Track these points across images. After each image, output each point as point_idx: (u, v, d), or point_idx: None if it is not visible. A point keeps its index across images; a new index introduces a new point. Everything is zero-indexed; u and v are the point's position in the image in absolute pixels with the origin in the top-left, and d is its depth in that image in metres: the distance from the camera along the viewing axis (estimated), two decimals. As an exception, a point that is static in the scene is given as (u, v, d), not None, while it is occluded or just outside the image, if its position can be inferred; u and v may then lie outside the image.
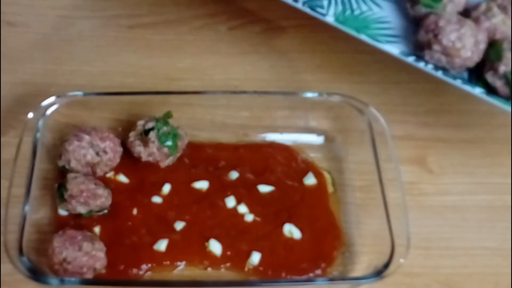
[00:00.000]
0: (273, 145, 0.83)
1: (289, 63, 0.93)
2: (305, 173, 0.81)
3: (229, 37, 0.96)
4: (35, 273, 0.68)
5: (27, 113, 0.78)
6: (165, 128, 0.78)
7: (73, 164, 0.77)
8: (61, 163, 0.77)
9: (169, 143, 0.78)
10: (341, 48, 0.93)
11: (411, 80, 0.90)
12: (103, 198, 0.75)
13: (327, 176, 0.81)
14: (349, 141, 0.83)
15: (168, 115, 0.79)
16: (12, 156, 0.75)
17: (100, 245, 0.72)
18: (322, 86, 0.88)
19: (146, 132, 0.78)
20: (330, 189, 0.80)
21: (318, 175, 0.81)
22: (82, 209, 0.74)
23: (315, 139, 0.84)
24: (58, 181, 0.76)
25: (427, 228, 0.78)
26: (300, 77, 0.91)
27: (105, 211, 0.76)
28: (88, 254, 0.70)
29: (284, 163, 0.82)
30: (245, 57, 0.93)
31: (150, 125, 0.78)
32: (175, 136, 0.78)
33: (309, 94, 0.83)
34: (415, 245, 0.71)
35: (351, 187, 0.80)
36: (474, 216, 0.80)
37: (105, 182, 0.77)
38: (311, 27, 0.95)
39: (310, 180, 0.80)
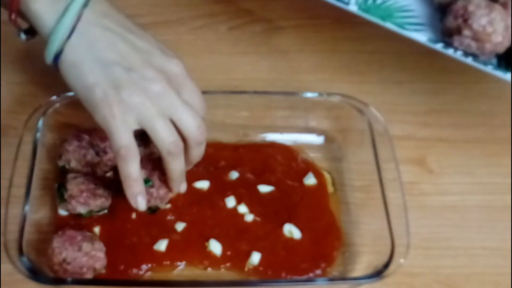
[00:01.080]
0: (273, 145, 0.83)
1: (289, 63, 0.93)
2: (305, 173, 0.81)
3: (229, 37, 0.96)
4: (35, 273, 0.68)
5: (27, 113, 0.78)
6: None
7: (73, 164, 0.77)
8: (61, 163, 0.77)
9: None
10: (341, 48, 0.93)
11: (411, 80, 0.90)
12: (103, 198, 0.75)
13: (327, 176, 0.81)
14: (349, 141, 0.83)
15: None
16: (12, 156, 0.75)
17: (100, 245, 0.72)
18: (322, 86, 0.88)
19: (143, 132, 0.78)
20: (330, 189, 0.80)
21: (318, 175, 0.81)
22: (82, 209, 0.74)
23: (315, 139, 0.84)
24: (58, 181, 0.76)
25: (427, 228, 0.78)
26: (300, 77, 0.91)
27: (105, 211, 0.76)
28: (88, 254, 0.70)
29: (284, 163, 0.82)
30: (245, 57, 0.93)
31: None
32: None
33: (309, 94, 0.83)
34: (415, 245, 0.71)
35: (351, 187, 0.80)
36: (474, 216, 0.80)
37: (106, 181, 0.77)
38: (311, 27, 0.96)
39: (310, 180, 0.80)
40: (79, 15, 0.67)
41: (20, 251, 0.69)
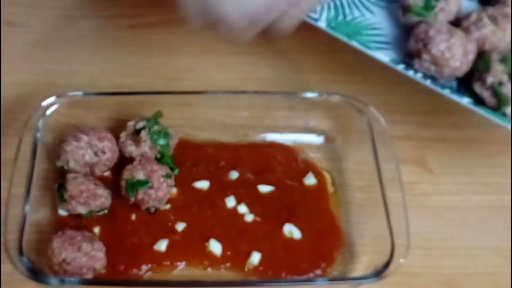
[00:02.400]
0: (273, 145, 0.83)
1: (289, 63, 0.93)
2: (305, 173, 0.81)
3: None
4: (35, 273, 0.68)
5: (27, 113, 0.78)
6: (156, 127, 0.78)
7: (72, 164, 0.77)
8: (59, 163, 0.77)
9: (161, 141, 0.78)
10: (341, 48, 0.93)
11: (411, 80, 0.90)
12: (103, 199, 0.75)
13: (327, 176, 0.81)
14: (349, 141, 0.83)
15: (158, 114, 0.79)
16: (12, 156, 0.75)
17: (99, 245, 0.72)
18: (322, 86, 0.88)
19: (138, 131, 0.78)
20: (330, 189, 0.80)
21: (318, 175, 0.81)
22: (82, 210, 0.74)
23: (315, 139, 0.84)
24: (58, 181, 0.76)
25: (427, 228, 0.78)
26: (300, 77, 0.91)
27: (105, 211, 0.76)
28: (88, 255, 0.70)
29: (284, 163, 0.82)
30: (245, 57, 0.93)
31: (141, 124, 0.78)
32: (166, 134, 0.78)
33: (309, 94, 0.83)
34: (415, 245, 0.71)
35: (351, 187, 0.80)
36: (474, 216, 0.80)
37: (105, 181, 0.77)
38: (311, 27, 0.95)
39: (310, 180, 0.80)
40: None
41: (20, 251, 0.69)
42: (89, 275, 0.70)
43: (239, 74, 0.91)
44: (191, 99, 0.83)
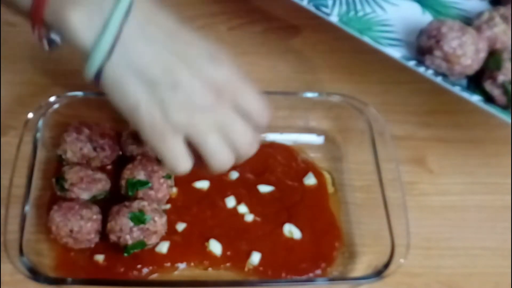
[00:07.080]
0: (273, 145, 0.83)
1: (289, 63, 0.93)
2: (305, 173, 0.81)
3: (229, 37, 0.96)
4: (35, 273, 0.68)
5: (27, 113, 0.78)
6: None
7: (69, 155, 0.77)
8: (59, 151, 0.78)
9: None
10: (341, 48, 0.93)
11: (411, 80, 0.90)
12: (103, 181, 0.76)
13: (327, 176, 0.81)
14: (349, 141, 0.83)
15: None
16: (12, 156, 0.75)
17: (96, 208, 0.73)
18: (322, 86, 0.88)
19: None
20: (330, 189, 0.80)
21: (318, 175, 0.81)
22: (85, 195, 0.74)
23: (315, 139, 0.84)
24: (55, 175, 0.76)
25: (427, 228, 0.78)
26: (300, 77, 0.91)
27: (106, 195, 0.76)
28: (91, 219, 0.71)
29: (284, 163, 0.82)
30: (245, 57, 0.93)
31: None
32: None
33: (309, 94, 0.83)
34: (415, 245, 0.71)
35: (351, 187, 0.80)
36: (474, 216, 0.80)
37: (101, 169, 0.78)
38: (312, 27, 0.95)
39: (310, 180, 0.80)
40: (120, 28, 0.60)
41: (20, 251, 0.69)
42: (96, 239, 0.72)
43: (239, 74, 0.91)
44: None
